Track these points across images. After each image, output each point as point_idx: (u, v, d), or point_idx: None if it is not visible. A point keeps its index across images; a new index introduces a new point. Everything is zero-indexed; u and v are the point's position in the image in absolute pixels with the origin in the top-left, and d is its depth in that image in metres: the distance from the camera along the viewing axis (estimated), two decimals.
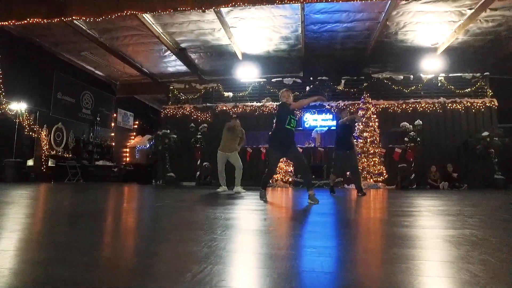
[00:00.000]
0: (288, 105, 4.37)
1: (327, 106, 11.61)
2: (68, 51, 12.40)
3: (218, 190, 6.55)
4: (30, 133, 11.00)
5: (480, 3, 8.69)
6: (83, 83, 13.79)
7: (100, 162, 13.29)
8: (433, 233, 2.07)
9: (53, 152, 12.00)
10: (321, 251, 1.54)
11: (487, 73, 11.29)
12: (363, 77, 12.06)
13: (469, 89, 11.13)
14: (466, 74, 11.36)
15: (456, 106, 10.88)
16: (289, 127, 4.31)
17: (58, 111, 12.51)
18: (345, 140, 6.28)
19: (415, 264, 1.32)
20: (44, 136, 11.50)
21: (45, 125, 11.66)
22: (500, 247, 1.65)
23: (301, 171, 4.55)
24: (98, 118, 14.18)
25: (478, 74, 11.25)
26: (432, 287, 1.09)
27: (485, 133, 10.03)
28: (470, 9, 9.06)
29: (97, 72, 14.33)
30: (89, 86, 14.10)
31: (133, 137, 16.72)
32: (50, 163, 11.54)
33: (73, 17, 9.04)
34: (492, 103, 10.79)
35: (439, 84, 11.36)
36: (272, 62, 12.84)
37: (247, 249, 1.57)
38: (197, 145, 11.04)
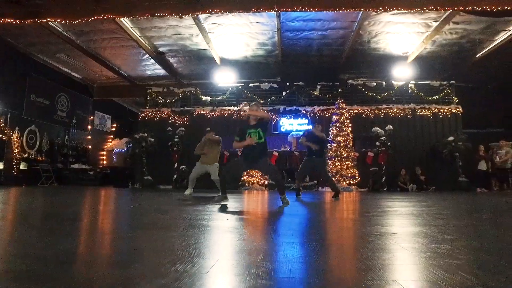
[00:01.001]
0: (242, 126, 4.51)
1: (302, 111, 11.93)
2: (42, 52, 12.16)
3: (186, 193, 6.68)
4: (0, 135, 10.72)
5: (443, 16, 9.22)
6: (58, 85, 13.53)
7: (76, 165, 13.06)
8: (393, 230, 2.29)
9: (26, 155, 11.71)
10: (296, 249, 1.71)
11: (453, 81, 11.93)
12: (338, 83, 12.47)
13: (436, 96, 11.72)
14: (434, 82, 11.97)
15: (425, 112, 11.43)
16: (255, 141, 4.28)
17: (32, 113, 12.22)
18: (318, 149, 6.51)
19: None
20: (15, 139, 11.23)
21: (17, 128, 11.39)
22: (442, 239, 1.89)
23: (274, 182, 4.63)
24: (74, 121, 13.94)
25: (445, 82, 11.87)
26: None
27: (451, 138, 10.60)
28: (435, 21, 9.58)
29: (73, 74, 14.11)
30: (65, 88, 13.85)
31: (110, 140, 16.51)
32: (22, 166, 11.26)
33: (48, 19, 8.96)
34: (457, 109, 11.40)
35: (409, 91, 11.89)
36: (249, 67, 13.06)
37: (204, 244, 1.73)
38: (175, 149, 11.08)
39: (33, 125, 12.21)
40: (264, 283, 1.11)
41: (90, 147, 14.95)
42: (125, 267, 1.28)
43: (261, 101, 12.24)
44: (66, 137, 13.53)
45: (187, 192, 6.62)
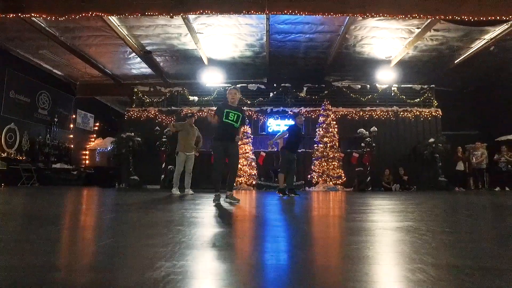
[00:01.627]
0: (226, 102, 4.73)
1: (290, 112, 12.12)
2: (23, 48, 11.76)
3: (174, 191, 6.71)
4: None
5: (425, 24, 9.64)
6: (39, 82, 13.12)
7: (58, 165, 12.71)
8: (380, 225, 2.45)
9: (4, 155, 11.31)
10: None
11: (433, 85, 12.44)
12: (324, 85, 12.75)
13: (418, 99, 12.19)
14: (416, 85, 12.46)
15: (407, 114, 11.88)
16: (227, 121, 4.56)
17: (11, 111, 11.80)
18: (297, 144, 6.82)
19: (365, 246, 1.65)
20: None
21: None
22: (425, 233, 2.05)
23: (230, 171, 4.76)
24: (55, 119, 13.55)
25: (425, 86, 12.37)
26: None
27: (431, 140, 11.06)
28: (418, 28, 10.00)
29: (55, 71, 13.72)
30: (46, 85, 13.45)
31: (93, 139, 16.15)
32: (0, 166, 10.87)
33: (32, 14, 8.72)
34: (437, 112, 11.92)
35: (392, 94, 12.31)
36: (237, 68, 13.15)
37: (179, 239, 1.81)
38: (162, 149, 11.00)
39: (13, 123, 11.79)
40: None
41: (72, 146, 14.58)
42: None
43: (248, 102, 12.35)
44: (48, 135, 13.13)
45: (175, 191, 6.64)
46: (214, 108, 12.03)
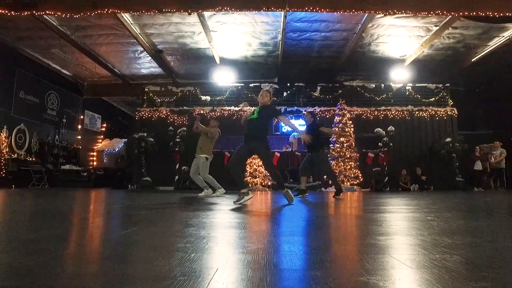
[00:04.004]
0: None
1: (303, 112, 11.93)
2: (33, 47, 11.57)
3: (217, 193, 6.31)
4: None
5: (444, 21, 9.50)
6: (48, 82, 12.93)
7: (67, 166, 12.50)
8: (400, 216, 2.26)
9: (15, 156, 11.10)
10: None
11: (448, 84, 12.29)
12: (338, 85, 12.58)
13: (433, 99, 12.03)
14: (430, 84, 12.29)
15: (422, 114, 11.71)
16: (249, 118, 4.44)
17: (21, 112, 11.59)
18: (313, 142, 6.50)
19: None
20: (3, 138, 10.62)
21: (5, 126, 10.79)
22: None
23: (268, 172, 4.63)
24: (64, 120, 13.35)
25: (440, 85, 12.21)
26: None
27: (448, 139, 10.89)
28: (436, 26, 9.86)
29: (63, 71, 13.52)
30: (54, 85, 13.25)
31: (100, 140, 15.93)
32: (11, 167, 10.66)
33: (46, 12, 8.53)
34: (453, 112, 11.75)
35: (407, 93, 12.14)
36: (248, 68, 12.98)
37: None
38: (176, 149, 10.80)
39: (22, 123, 11.59)
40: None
41: (80, 147, 14.37)
42: None
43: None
44: (57, 136, 12.93)
45: (219, 192, 6.27)
46: (227, 108, 12.07)
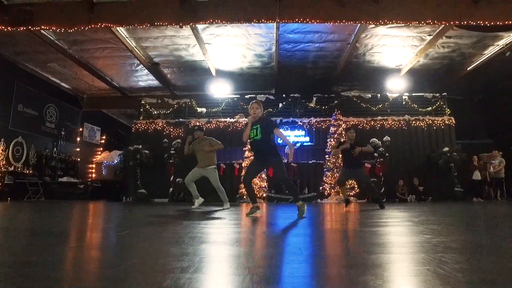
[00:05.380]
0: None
1: (299, 123, 11.92)
2: (31, 61, 11.78)
3: (196, 203, 6.36)
4: None
5: (437, 30, 9.50)
6: (47, 96, 13.09)
7: (64, 179, 12.53)
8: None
9: (11, 168, 11.16)
10: None
11: (445, 93, 12.20)
12: (334, 95, 12.56)
13: (430, 108, 11.94)
14: (427, 94, 12.22)
15: (419, 123, 11.61)
16: (251, 139, 4.33)
17: (19, 124, 11.71)
18: (348, 158, 6.40)
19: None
20: (0, 151, 10.72)
21: (2, 139, 10.89)
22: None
23: (284, 184, 4.63)
24: (62, 132, 13.46)
25: (437, 94, 12.13)
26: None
27: (446, 149, 10.75)
28: (429, 35, 9.85)
29: (62, 84, 13.72)
30: (53, 98, 13.41)
31: (99, 153, 16.01)
32: (7, 180, 10.71)
33: (42, 27, 8.70)
34: (450, 121, 11.63)
35: (403, 103, 12.07)
36: (245, 79, 13.04)
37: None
38: (171, 161, 10.79)
39: (20, 136, 11.70)
40: None
41: (79, 159, 14.44)
42: None
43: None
44: (55, 149, 13.01)
45: (195, 205, 6.31)
46: (223, 120, 12.10)
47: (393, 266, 1.48)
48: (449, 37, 9.94)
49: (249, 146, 4.52)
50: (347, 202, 6.53)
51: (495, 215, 4.74)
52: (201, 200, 6.42)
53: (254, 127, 4.36)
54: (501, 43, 9.99)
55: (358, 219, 4.18)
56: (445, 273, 1.30)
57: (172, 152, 10.87)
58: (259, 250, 1.91)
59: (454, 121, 11.66)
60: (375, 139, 10.73)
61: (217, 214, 4.64)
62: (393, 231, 2.79)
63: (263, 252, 1.84)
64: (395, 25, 8.81)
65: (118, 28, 9.31)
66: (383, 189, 10.45)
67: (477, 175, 10.73)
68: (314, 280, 1.27)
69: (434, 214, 4.69)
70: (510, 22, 7.88)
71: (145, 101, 12.75)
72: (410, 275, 1.32)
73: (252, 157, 4.57)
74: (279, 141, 11.88)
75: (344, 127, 11.08)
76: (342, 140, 7.46)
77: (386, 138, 10.90)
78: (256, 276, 1.28)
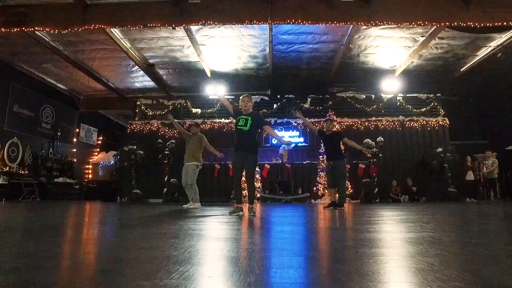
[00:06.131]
0: (239, 109, 4.66)
1: (293, 123, 11.97)
2: (27, 62, 11.83)
3: (192, 206, 6.35)
4: None
5: (430, 31, 9.54)
6: (43, 96, 13.15)
7: (60, 179, 12.58)
8: (395, 236, 2.22)
9: (6, 169, 11.21)
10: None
11: (439, 94, 12.25)
12: (328, 96, 12.61)
13: (424, 109, 11.99)
14: (421, 94, 12.27)
15: (413, 124, 11.66)
16: (238, 127, 4.46)
17: (14, 125, 11.77)
18: (328, 151, 6.48)
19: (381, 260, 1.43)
20: None
21: None
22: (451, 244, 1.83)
23: (247, 183, 4.64)
24: (59, 133, 13.50)
25: (431, 95, 12.18)
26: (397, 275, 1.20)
27: (439, 149, 10.80)
28: (422, 36, 9.89)
29: (59, 85, 13.77)
30: (49, 99, 13.46)
31: (96, 153, 16.06)
32: (2, 181, 10.75)
33: (36, 28, 8.75)
34: (444, 121, 11.68)
35: (398, 104, 12.12)
36: (240, 80, 13.08)
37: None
38: (165, 161, 10.84)
39: (15, 137, 11.74)
40: None
41: (75, 160, 14.48)
42: None
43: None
44: (51, 150, 13.06)
45: (189, 205, 6.32)
46: (218, 120, 12.17)
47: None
48: (442, 38, 9.98)
49: (236, 135, 4.56)
50: (332, 205, 6.32)
51: (484, 214, 4.78)
52: (198, 205, 6.35)
53: (244, 117, 4.48)
54: (493, 44, 10.04)
55: (345, 218, 4.22)
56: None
57: (167, 152, 10.92)
58: (249, 245, 1.95)
59: (448, 122, 11.71)
60: (368, 140, 10.77)
61: (209, 213, 4.68)
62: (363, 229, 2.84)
63: (253, 247, 1.89)
64: (387, 26, 8.85)
65: (112, 30, 9.36)
66: (376, 189, 10.49)
67: (470, 176, 10.77)
68: (298, 271, 1.32)
69: (417, 213, 4.73)
70: (500, 23, 7.93)
71: (140, 102, 12.80)
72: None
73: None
74: (274, 141, 11.98)
75: (338, 128, 11.14)
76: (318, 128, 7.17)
77: (380, 138, 10.95)
78: (246, 268, 1.33)
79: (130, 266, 1.42)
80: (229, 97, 12.59)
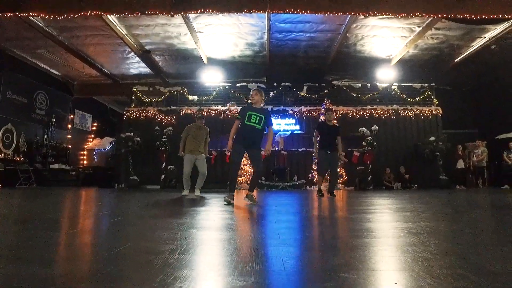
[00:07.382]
0: (250, 104, 4.72)
1: (290, 111, 12.08)
2: (20, 48, 11.60)
3: (184, 193, 6.51)
4: None
5: (426, 22, 9.62)
6: (36, 82, 12.96)
7: (56, 166, 12.57)
8: (394, 225, 2.40)
9: (1, 155, 11.16)
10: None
11: (433, 84, 12.44)
12: (324, 84, 12.70)
13: (418, 98, 12.19)
14: (416, 84, 12.45)
15: (408, 113, 11.87)
16: (249, 123, 4.47)
17: (8, 111, 11.63)
18: (328, 141, 6.62)
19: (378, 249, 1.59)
20: None
21: None
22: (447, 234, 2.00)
23: (254, 174, 4.80)
24: (53, 119, 13.40)
25: (426, 85, 12.37)
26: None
27: (432, 138, 11.06)
28: (419, 26, 9.97)
29: (52, 71, 13.56)
30: (43, 85, 13.29)
31: (91, 139, 16.01)
32: None
33: (30, 13, 8.58)
34: (438, 111, 11.92)
35: (392, 93, 12.29)
36: (236, 68, 13.05)
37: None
38: (162, 148, 10.91)
39: (9, 123, 11.64)
40: None
41: (70, 146, 14.43)
42: None
43: (249, 101, 12.27)
44: (45, 136, 12.98)
45: (185, 192, 6.49)
46: (214, 108, 12.20)
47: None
48: (438, 28, 10.08)
49: (242, 130, 4.52)
50: (320, 192, 6.45)
51: (475, 204, 5.02)
52: (187, 192, 6.55)
53: (258, 115, 4.51)
54: (488, 35, 10.18)
55: (338, 206, 4.41)
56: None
57: (164, 139, 10.98)
58: (243, 234, 2.10)
59: (441, 111, 11.95)
60: (363, 128, 10.97)
61: (206, 202, 4.83)
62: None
63: (247, 236, 2.03)
64: (384, 16, 8.90)
65: (108, 16, 9.23)
66: (370, 177, 10.76)
67: (461, 164, 11.10)
68: (290, 259, 1.46)
69: (412, 202, 4.95)
70: (496, 16, 8.05)
71: (136, 88, 12.73)
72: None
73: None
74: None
75: (334, 116, 11.28)
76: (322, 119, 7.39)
77: (375, 127, 11.15)
78: (241, 257, 1.47)
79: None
80: (225, 84, 12.67)
